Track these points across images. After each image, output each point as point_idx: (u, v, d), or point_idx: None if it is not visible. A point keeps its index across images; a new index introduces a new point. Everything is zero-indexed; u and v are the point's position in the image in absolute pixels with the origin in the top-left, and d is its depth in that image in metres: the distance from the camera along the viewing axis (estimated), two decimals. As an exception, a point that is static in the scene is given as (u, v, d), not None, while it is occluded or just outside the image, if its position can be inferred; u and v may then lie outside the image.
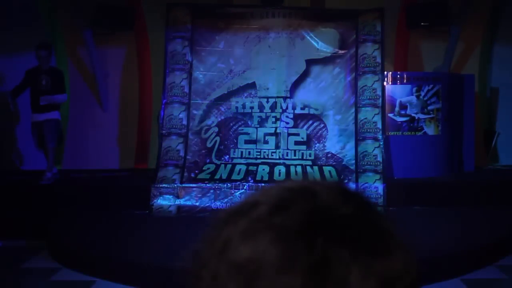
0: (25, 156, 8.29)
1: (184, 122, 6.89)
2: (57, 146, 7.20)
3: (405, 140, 7.25)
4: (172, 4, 7.14)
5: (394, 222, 0.59)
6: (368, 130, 6.80)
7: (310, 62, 7.04)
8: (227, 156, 6.81)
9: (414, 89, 7.26)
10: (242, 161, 6.77)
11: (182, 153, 6.79)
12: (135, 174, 7.57)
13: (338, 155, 6.80)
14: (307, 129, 6.92)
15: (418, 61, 8.73)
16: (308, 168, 6.75)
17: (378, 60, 6.96)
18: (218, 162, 6.73)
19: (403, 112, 7.24)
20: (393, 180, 6.92)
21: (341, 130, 6.86)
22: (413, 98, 7.26)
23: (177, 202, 6.48)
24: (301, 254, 0.52)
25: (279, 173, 6.71)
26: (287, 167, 6.77)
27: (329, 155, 6.81)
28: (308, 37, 7.08)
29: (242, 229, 0.55)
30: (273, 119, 6.95)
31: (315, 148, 6.86)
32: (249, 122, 6.93)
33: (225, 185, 6.59)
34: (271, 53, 7.06)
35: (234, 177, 6.64)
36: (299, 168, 6.76)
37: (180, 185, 6.56)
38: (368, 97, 6.88)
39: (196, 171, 6.71)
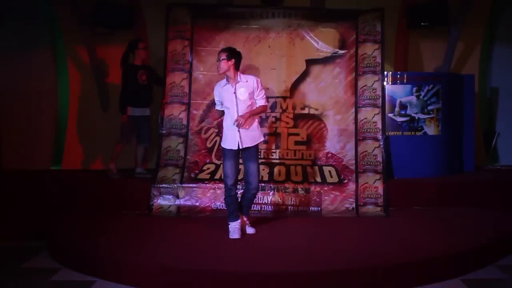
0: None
1: (184, 122, 6.90)
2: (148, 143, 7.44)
3: (405, 140, 7.25)
4: (172, 4, 7.14)
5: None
6: (368, 130, 6.81)
7: (310, 62, 7.05)
8: (227, 156, 6.79)
9: (414, 89, 7.26)
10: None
11: (182, 153, 6.80)
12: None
13: (338, 155, 6.80)
14: (307, 129, 6.93)
15: (418, 61, 8.74)
16: (308, 168, 6.76)
17: (378, 60, 6.96)
18: (218, 162, 6.73)
19: (403, 112, 7.25)
20: (393, 180, 6.93)
21: (341, 130, 6.87)
22: (413, 98, 7.27)
23: (177, 202, 6.49)
24: None
25: (279, 173, 6.71)
26: (287, 167, 6.78)
27: (329, 155, 6.81)
28: (308, 37, 7.09)
29: None
30: (273, 119, 6.96)
31: (315, 148, 6.87)
32: (249, 122, 6.91)
33: (225, 185, 6.57)
34: (271, 53, 7.06)
35: (234, 177, 6.63)
36: (299, 168, 6.76)
37: (180, 185, 6.57)
38: (368, 97, 6.89)
39: (196, 171, 6.71)
